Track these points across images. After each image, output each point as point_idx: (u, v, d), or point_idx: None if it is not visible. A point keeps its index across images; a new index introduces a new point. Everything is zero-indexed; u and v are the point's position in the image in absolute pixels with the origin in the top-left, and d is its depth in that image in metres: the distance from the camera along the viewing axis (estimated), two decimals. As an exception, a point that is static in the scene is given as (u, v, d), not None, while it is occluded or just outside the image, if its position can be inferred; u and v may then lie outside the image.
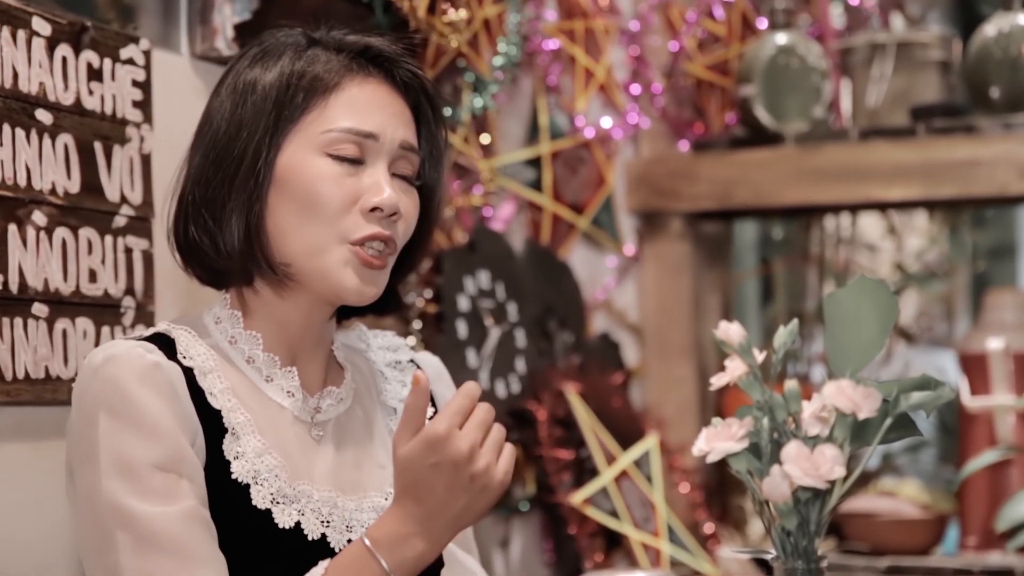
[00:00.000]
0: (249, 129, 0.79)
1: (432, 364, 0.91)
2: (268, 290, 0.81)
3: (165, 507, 0.74)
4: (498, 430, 0.75)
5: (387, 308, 0.85)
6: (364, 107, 0.80)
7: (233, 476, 0.77)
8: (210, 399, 0.78)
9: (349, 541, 0.79)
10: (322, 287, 0.80)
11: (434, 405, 0.89)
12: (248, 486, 0.77)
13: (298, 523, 0.78)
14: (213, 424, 0.78)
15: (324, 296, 0.81)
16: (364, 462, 0.83)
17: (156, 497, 0.74)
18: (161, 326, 0.81)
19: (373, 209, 0.79)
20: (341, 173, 0.79)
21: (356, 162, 0.80)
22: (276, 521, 0.77)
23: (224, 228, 0.79)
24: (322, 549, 0.78)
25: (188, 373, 0.78)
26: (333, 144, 0.79)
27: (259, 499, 0.77)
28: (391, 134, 0.81)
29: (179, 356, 0.79)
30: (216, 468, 0.77)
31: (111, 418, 0.75)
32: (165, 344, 0.79)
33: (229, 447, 0.78)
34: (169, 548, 0.73)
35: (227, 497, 0.77)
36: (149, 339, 0.79)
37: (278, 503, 0.78)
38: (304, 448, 0.81)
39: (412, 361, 0.90)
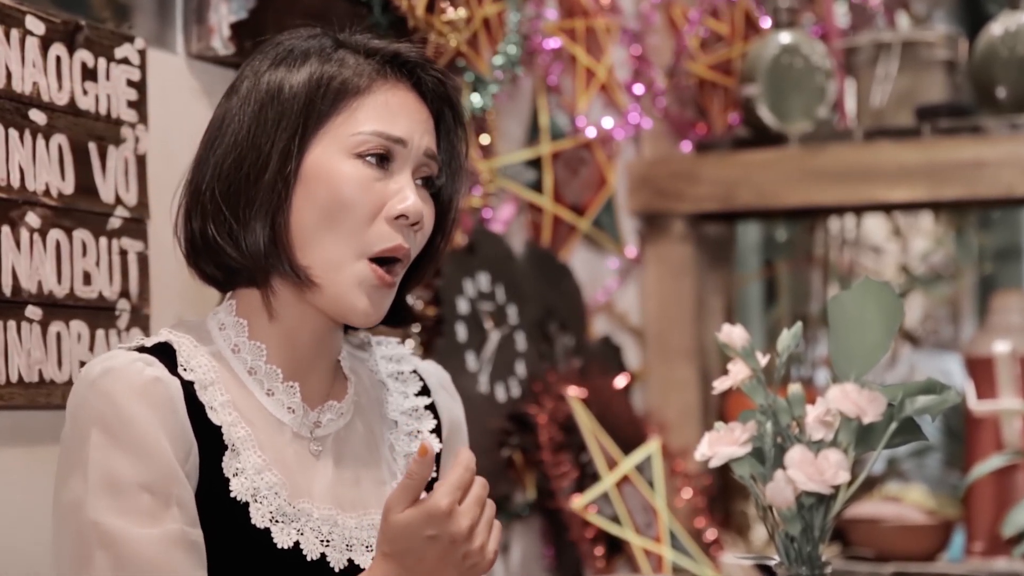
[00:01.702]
0: (277, 129, 0.78)
1: (435, 374, 0.90)
2: (287, 291, 0.80)
3: (148, 529, 0.73)
4: (491, 507, 0.76)
5: (397, 321, 0.84)
6: (394, 112, 0.79)
7: (232, 494, 0.76)
8: (210, 414, 0.77)
9: (349, 561, 0.78)
10: (331, 303, 0.79)
11: (436, 416, 0.87)
12: (247, 504, 0.76)
13: (297, 543, 0.77)
14: (212, 440, 0.77)
15: (330, 312, 0.80)
16: (364, 478, 0.82)
17: (140, 518, 0.73)
18: (163, 334, 0.79)
19: (398, 217, 0.78)
20: (369, 177, 0.78)
21: (384, 166, 0.79)
22: (275, 540, 0.76)
23: (247, 228, 0.78)
24: (321, 569, 0.77)
25: (188, 387, 0.77)
26: (362, 146, 0.78)
27: (258, 518, 0.76)
28: (418, 141, 0.80)
29: (180, 368, 0.77)
30: (215, 485, 0.76)
31: (103, 434, 0.74)
32: (166, 354, 0.78)
33: (228, 464, 0.76)
34: (147, 572, 0.72)
35: (226, 515, 0.76)
36: (150, 349, 0.78)
37: (277, 522, 0.77)
38: (303, 464, 0.80)
39: (415, 371, 0.88)
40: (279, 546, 0.76)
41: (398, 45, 0.82)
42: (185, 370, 0.77)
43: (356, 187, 0.78)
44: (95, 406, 0.74)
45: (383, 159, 0.79)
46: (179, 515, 0.74)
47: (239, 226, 0.78)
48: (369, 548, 0.79)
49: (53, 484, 0.76)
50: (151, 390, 0.75)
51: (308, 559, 0.77)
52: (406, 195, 0.79)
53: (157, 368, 0.76)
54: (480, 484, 0.75)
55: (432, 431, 0.86)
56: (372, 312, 0.79)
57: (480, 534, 0.74)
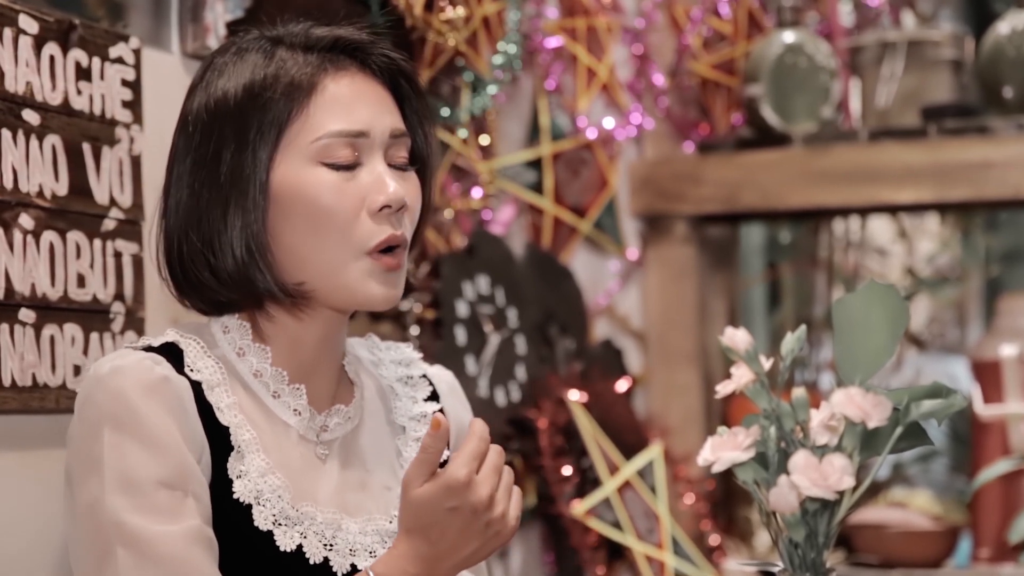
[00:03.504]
0: (231, 150, 0.77)
1: (445, 379, 0.89)
2: (283, 313, 0.79)
3: (169, 526, 0.72)
4: (508, 474, 0.76)
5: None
6: (348, 104, 0.78)
7: (235, 496, 0.76)
8: (219, 415, 0.77)
9: (352, 566, 0.78)
10: (346, 301, 0.79)
11: None
12: (250, 506, 0.76)
13: (300, 546, 0.77)
14: (220, 441, 0.76)
15: (348, 308, 0.79)
16: (370, 484, 0.81)
17: (160, 515, 0.72)
18: (170, 335, 0.79)
19: (382, 208, 0.77)
20: (340, 179, 0.77)
21: (352, 164, 0.78)
22: (277, 543, 0.76)
23: (223, 257, 0.77)
24: (324, 573, 0.77)
25: (196, 387, 0.77)
26: (325, 151, 0.77)
27: (261, 520, 0.76)
28: (379, 126, 0.79)
29: (187, 369, 0.77)
30: (219, 487, 0.76)
31: (116, 432, 0.73)
32: (173, 355, 0.77)
33: (233, 466, 0.76)
34: (171, 569, 0.71)
35: (228, 517, 0.75)
36: (157, 349, 0.77)
37: (280, 525, 0.76)
38: (308, 468, 0.79)
39: (424, 376, 0.88)
40: (282, 549, 0.76)
41: (339, 32, 0.79)
42: (192, 371, 0.77)
43: (332, 193, 0.77)
44: (105, 404, 0.74)
45: (350, 157, 0.78)
46: (196, 511, 0.74)
47: (216, 258, 0.77)
48: (373, 554, 0.79)
49: (63, 488, 0.75)
50: (161, 388, 0.75)
51: (311, 562, 0.77)
52: (383, 184, 0.78)
53: (165, 367, 0.76)
54: (496, 452, 0.75)
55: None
56: (392, 294, 0.79)
57: (500, 502, 0.75)
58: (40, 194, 0.92)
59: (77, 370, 0.93)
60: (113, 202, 0.97)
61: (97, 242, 0.96)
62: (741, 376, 0.70)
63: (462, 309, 1.34)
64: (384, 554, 0.76)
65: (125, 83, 0.99)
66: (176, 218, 0.79)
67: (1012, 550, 1.47)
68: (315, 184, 0.77)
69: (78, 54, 0.95)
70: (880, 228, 2.04)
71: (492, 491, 0.74)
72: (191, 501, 0.73)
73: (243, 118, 0.77)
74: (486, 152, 1.38)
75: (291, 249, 0.78)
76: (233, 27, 1.06)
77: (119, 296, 0.98)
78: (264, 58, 0.78)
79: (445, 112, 1.29)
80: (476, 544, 0.75)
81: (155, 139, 1.02)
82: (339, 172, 0.77)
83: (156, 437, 0.73)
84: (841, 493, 0.66)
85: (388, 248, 0.78)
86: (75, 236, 0.94)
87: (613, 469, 1.43)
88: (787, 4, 1.62)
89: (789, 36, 1.61)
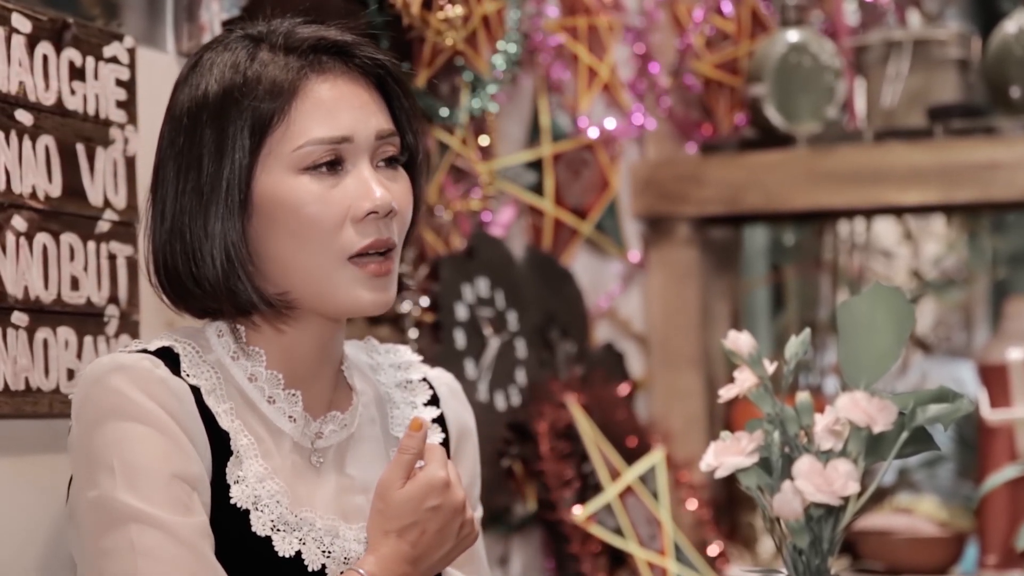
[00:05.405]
0: (211, 156, 0.75)
1: (445, 382, 0.88)
2: (271, 322, 0.79)
3: (184, 518, 0.72)
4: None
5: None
6: (330, 109, 0.76)
7: (232, 501, 0.75)
8: (219, 419, 0.76)
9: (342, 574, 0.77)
10: (334, 309, 0.78)
11: (444, 429, 0.86)
12: (247, 512, 0.75)
13: (299, 552, 0.76)
14: (220, 446, 0.76)
15: (337, 316, 0.79)
16: (366, 492, 0.80)
17: (174, 507, 0.72)
18: (165, 339, 0.78)
19: (367, 215, 0.76)
20: (324, 187, 0.76)
21: (336, 170, 0.77)
22: (276, 549, 0.76)
23: (204, 267, 0.76)
24: None
25: (196, 391, 0.76)
26: (308, 159, 0.76)
27: (259, 526, 0.76)
28: (364, 130, 0.77)
29: (183, 374, 0.76)
30: (217, 491, 0.76)
31: (121, 425, 0.73)
32: (170, 359, 0.77)
33: (232, 471, 0.76)
34: (188, 558, 0.71)
35: (226, 522, 0.75)
36: (154, 352, 0.77)
37: (279, 530, 0.76)
38: (304, 474, 0.79)
39: (424, 379, 0.87)
40: (280, 554, 0.75)
41: (322, 32, 0.78)
42: (188, 376, 0.77)
43: (315, 203, 0.76)
44: (108, 401, 0.73)
45: (333, 164, 0.76)
46: (201, 507, 0.74)
47: (201, 270, 0.76)
48: None
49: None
50: (161, 389, 0.74)
51: (309, 569, 0.76)
52: (368, 190, 0.76)
53: (163, 370, 0.75)
54: (452, 463, 0.78)
55: (439, 444, 0.85)
56: (381, 299, 0.78)
57: (468, 507, 0.77)
58: (33, 195, 0.91)
59: (71, 374, 0.92)
60: (107, 204, 0.96)
61: (91, 244, 0.95)
62: (744, 380, 0.69)
63: (461, 312, 1.33)
64: (368, 555, 0.75)
65: (119, 83, 0.98)
66: (162, 225, 0.78)
67: (1019, 557, 1.46)
68: (298, 194, 0.75)
69: (72, 53, 0.94)
70: (885, 230, 2.03)
71: (464, 495, 0.76)
72: (197, 497, 0.73)
73: (223, 121, 0.75)
74: (486, 153, 1.37)
75: (275, 258, 0.77)
76: (229, 26, 1.05)
77: (113, 299, 0.97)
78: (245, 58, 0.76)
79: (444, 112, 1.29)
80: (450, 545, 0.76)
81: (150, 140, 1.00)
82: (323, 180, 0.76)
83: (164, 431, 0.73)
84: (846, 499, 0.65)
85: (375, 253, 0.77)
86: (69, 238, 0.93)
87: (614, 474, 1.42)
88: (791, 3, 1.61)
89: (793, 35, 1.60)
